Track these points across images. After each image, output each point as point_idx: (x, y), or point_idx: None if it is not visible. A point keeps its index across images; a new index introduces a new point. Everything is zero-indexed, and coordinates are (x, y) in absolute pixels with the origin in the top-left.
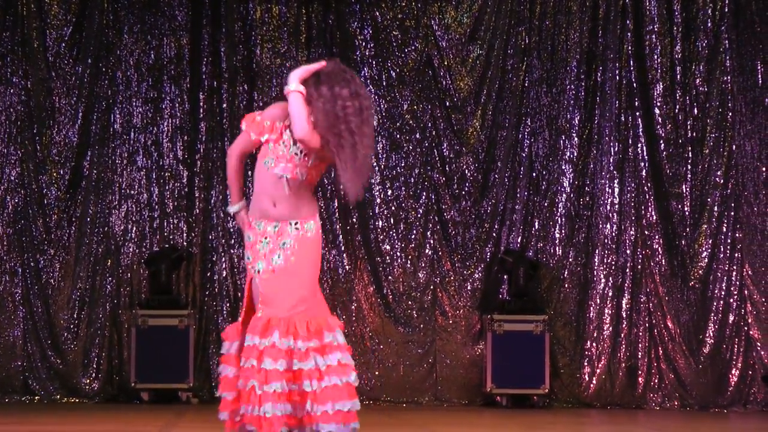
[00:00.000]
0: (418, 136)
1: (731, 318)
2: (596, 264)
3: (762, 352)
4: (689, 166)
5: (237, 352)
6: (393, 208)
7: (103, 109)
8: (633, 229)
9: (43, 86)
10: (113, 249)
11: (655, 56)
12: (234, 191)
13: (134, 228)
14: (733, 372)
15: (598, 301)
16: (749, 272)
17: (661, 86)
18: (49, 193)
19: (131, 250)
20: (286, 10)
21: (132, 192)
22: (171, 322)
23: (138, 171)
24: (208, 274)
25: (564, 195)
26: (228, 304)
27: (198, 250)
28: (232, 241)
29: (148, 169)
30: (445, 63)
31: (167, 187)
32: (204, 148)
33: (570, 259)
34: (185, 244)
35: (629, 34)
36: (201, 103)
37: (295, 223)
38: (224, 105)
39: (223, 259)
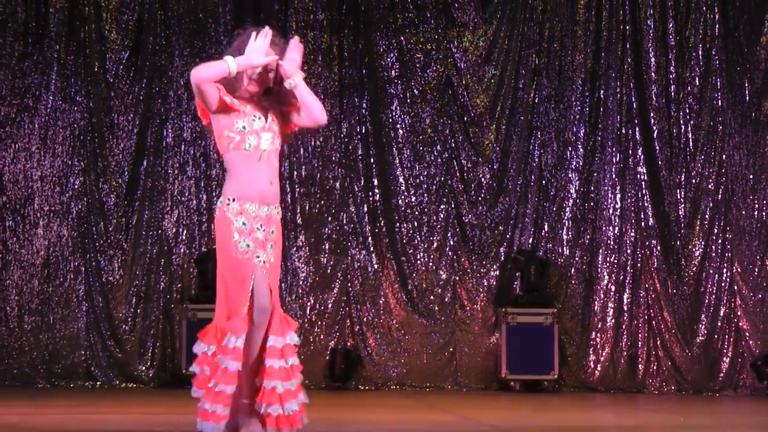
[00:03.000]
0: (439, 148)
1: (722, 311)
2: (600, 263)
3: (750, 342)
4: (683, 174)
5: (245, 346)
6: (417, 213)
7: (157, 125)
8: (633, 231)
9: (103, 104)
10: (166, 250)
11: (652, 75)
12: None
13: (185, 231)
14: (725, 360)
15: (602, 296)
16: (738, 270)
17: (658, 102)
18: (109, 200)
19: (182, 250)
20: (320, 35)
21: (183, 199)
22: None
23: (188, 180)
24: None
25: (571, 200)
26: None
27: None
28: None
29: (196, 178)
30: (463, 82)
31: (214, 194)
32: None
33: (576, 258)
34: None
35: (629, 56)
36: None
37: (276, 207)
38: None
39: None
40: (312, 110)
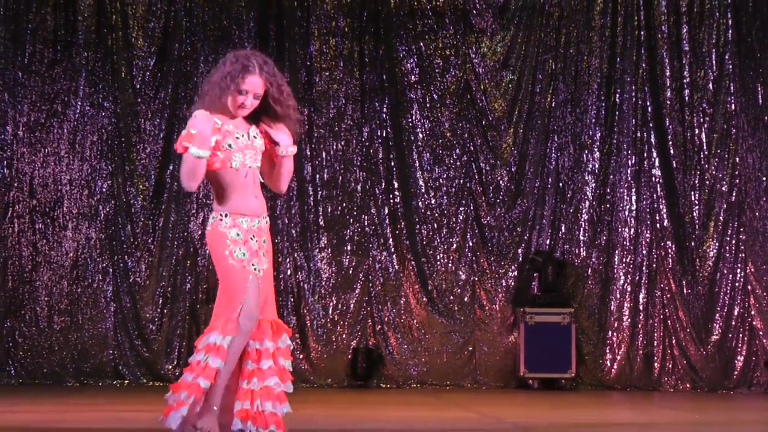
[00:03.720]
0: (458, 151)
1: (736, 311)
2: (616, 263)
3: (764, 341)
4: (698, 177)
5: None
6: (436, 214)
7: (182, 129)
8: (648, 232)
9: (130, 110)
10: (191, 251)
11: (667, 80)
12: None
13: None
14: (739, 358)
15: (618, 295)
16: (752, 270)
17: (672, 106)
18: (136, 202)
19: (207, 252)
20: (342, 42)
21: (207, 201)
22: None
23: None
24: (274, 273)
25: (587, 202)
26: (292, 300)
27: None
28: (295, 244)
29: None
30: (482, 87)
31: None
32: None
33: (593, 259)
34: None
35: (644, 61)
36: None
37: (265, 218)
38: None
39: (288, 260)
40: (281, 181)
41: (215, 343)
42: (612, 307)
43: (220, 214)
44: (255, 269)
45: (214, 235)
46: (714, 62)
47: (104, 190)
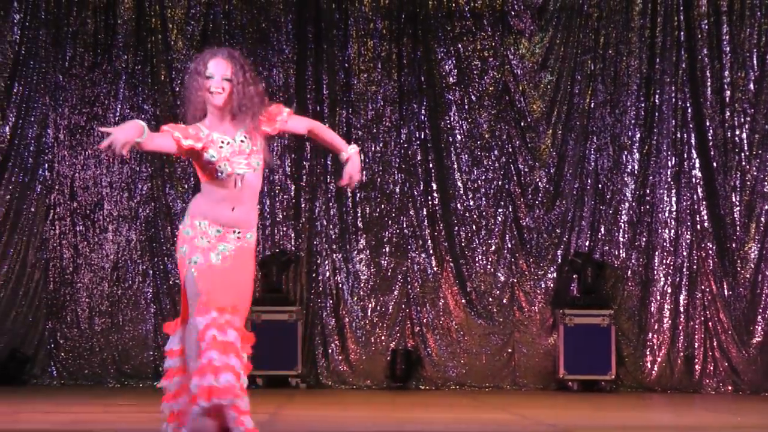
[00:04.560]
0: (496, 153)
1: None
2: (656, 265)
3: None
4: (738, 178)
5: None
6: (475, 216)
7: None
8: (689, 233)
9: (169, 112)
10: None
11: (707, 80)
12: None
13: None
14: None
15: (658, 297)
16: None
17: (713, 107)
18: (175, 204)
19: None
20: (380, 44)
21: None
22: (281, 317)
23: None
24: (313, 275)
25: (626, 203)
26: (331, 301)
27: (304, 254)
28: (334, 246)
29: None
30: (520, 88)
31: (277, 199)
32: (309, 164)
33: (633, 261)
34: (293, 248)
35: (683, 61)
36: None
37: (237, 232)
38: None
39: (326, 261)
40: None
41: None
42: (652, 309)
43: (188, 218)
44: (192, 262)
45: (179, 238)
46: (755, 62)
47: (144, 192)
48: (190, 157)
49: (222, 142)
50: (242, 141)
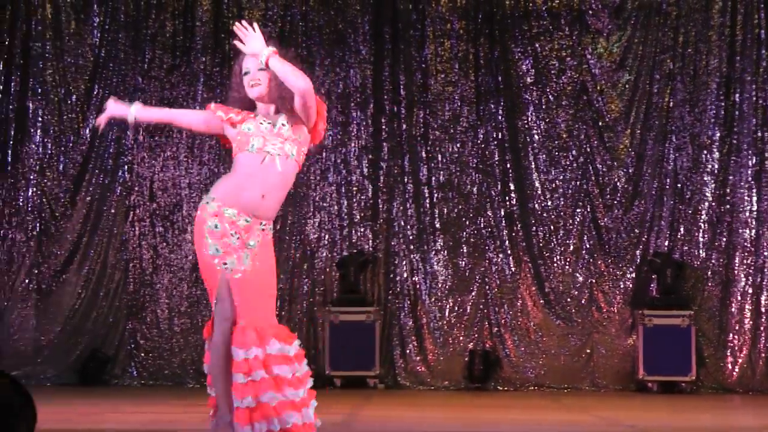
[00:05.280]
0: (574, 152)
1: None
2: (737, 265)
3: None
4: None
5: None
6: (553, 216)
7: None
8: None
9: None
10: (308, 254)
11: None
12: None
13: (326, 235)
14: None
15: (739, 297)
16: None
17: None
18: None
19: (324, 254)
20: (457, 44)
21: (324, 204)
22: (359, 318)
23: (329, 186)
24: (391, 276)
25: (706, 203)
26: (409, 302)
27: (382, 254)
28: (412, 246)
29: (338, 184)
30: (598, 88)
31: (354, 200)
32: (386, 165)
33: (713, 261)
34: (371, 249)
35: (765, 59)
36: (383, 126)
37: (264, 224)
38: (403, 127)
39: (404, 262)
40: (288, 81)
41: (205, 349)
42: (733, 309)
43: (210, 198)
44: (227, 268)
45: (197, 219)
46: None
47: None
48: (223, 132)
49: (263, 121)
50: (282, 125)
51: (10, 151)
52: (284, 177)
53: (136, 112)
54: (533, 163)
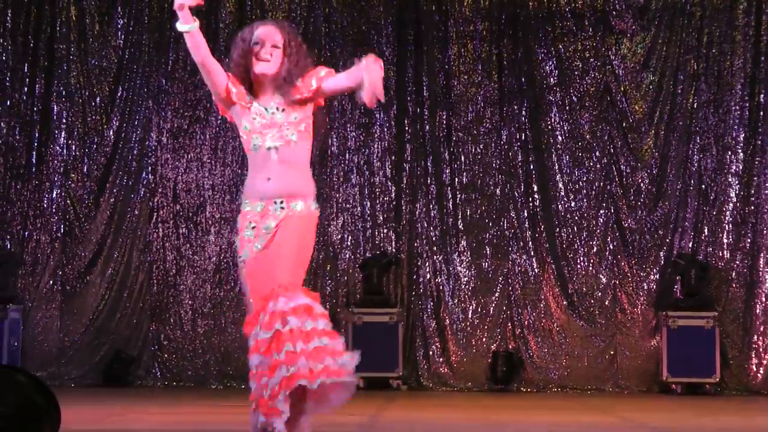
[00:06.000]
0: (597, 153)
1: None
2: (761, 266)
3: None
4: None
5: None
6: (576, 217)
7: (322, 134)
8: None
9: None
10: (332, 255)
11: None
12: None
13: (349, 237)
14: None
15: (764, 299)
16: None
17: None
18: None
19: (347, 256)
20: (480, 46)
21: (347, 206)
22: (382, 319)
23: (352, 187)
24: (414, 277)
25: (731, 204)
26: (432, 303)
27: (405, 255)
28: (435, 248)
29: (361, 186)
30: (621, 89)
31: (378, 201)
32: (409, 167)
33: (737, 262)
34: (394, 250)
35: None
36: (406, 128)
37: (281, 202)
38: (426, 129)
39: (427, 263)
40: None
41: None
42: (757, 311)
43: (242, 200)
44: (241, 259)
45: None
46: None
47: None
48: (227, 113)
49: (256, 114)
50: (274, 113)
51: (34, 153)
52: (291, 162)
53: (191, 29)
54: (556, 164)
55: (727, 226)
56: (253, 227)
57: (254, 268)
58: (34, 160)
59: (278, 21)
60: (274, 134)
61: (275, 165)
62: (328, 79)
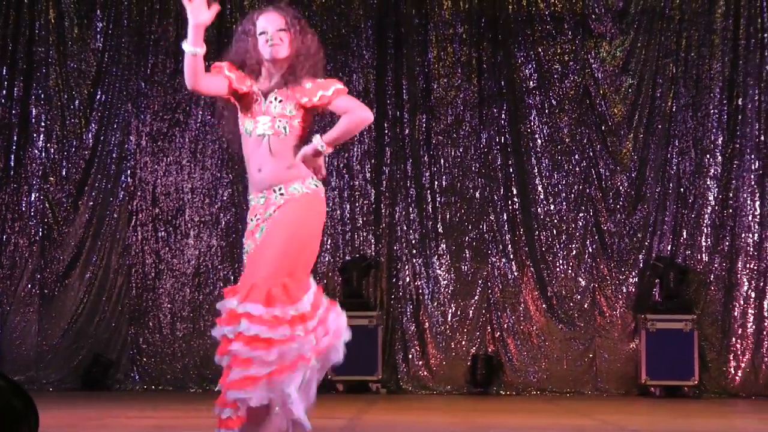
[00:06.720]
0: (577, 157)
1: None
2: (739, 269)
3: None
4: None
5: None
6: (555, 220)
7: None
8: None
9: None
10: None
11: None
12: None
13: (329, 240)
14: None
15: (742, 302)
16: None
17: None
18: None
19: (327, 259)
20: (460, 48)
21: (327, 209)
22: (362, 322)
23: (332, 190)
24: (393, 280)
25: (709, 207)
26: (411, 307)
27: (384, 259)
28: (414, 251)
29: (340, 189)
30: (601, 92)
31: (357, 204)
32: (389, 170)
33: (715, 265)
34: (373, 254)
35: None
36: (386, 131)
37: (279, 189)
38: (406, 132)
39: (407, 267)
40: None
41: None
42: (736, 314)
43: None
44: (245, 251)
45: None
46: None
47: (225, 198)
48: (231, 103)
49: (255, 98)
50: (271, 102)
51: (13, 156)
52: (280, 152)
53: (199, 52)
54: (536, 167)
55: (705, 229)
56: (257, 218)
57: (248, 261)
58: (12, 163)
59: (276, 5)
60: (267, 123)
61: (265, 154)
62: (336, 101)
